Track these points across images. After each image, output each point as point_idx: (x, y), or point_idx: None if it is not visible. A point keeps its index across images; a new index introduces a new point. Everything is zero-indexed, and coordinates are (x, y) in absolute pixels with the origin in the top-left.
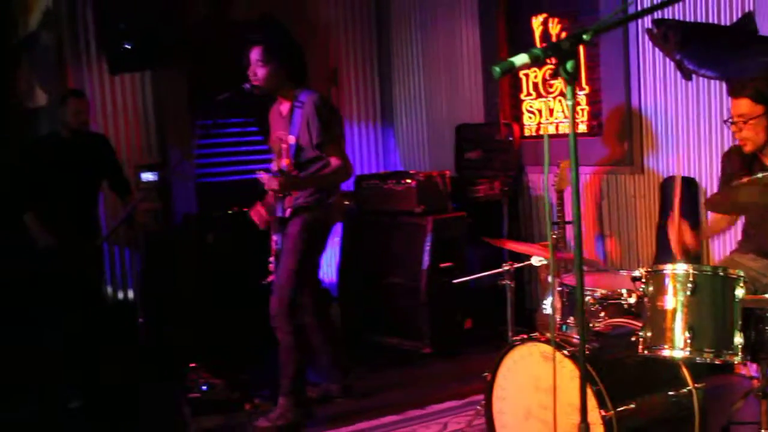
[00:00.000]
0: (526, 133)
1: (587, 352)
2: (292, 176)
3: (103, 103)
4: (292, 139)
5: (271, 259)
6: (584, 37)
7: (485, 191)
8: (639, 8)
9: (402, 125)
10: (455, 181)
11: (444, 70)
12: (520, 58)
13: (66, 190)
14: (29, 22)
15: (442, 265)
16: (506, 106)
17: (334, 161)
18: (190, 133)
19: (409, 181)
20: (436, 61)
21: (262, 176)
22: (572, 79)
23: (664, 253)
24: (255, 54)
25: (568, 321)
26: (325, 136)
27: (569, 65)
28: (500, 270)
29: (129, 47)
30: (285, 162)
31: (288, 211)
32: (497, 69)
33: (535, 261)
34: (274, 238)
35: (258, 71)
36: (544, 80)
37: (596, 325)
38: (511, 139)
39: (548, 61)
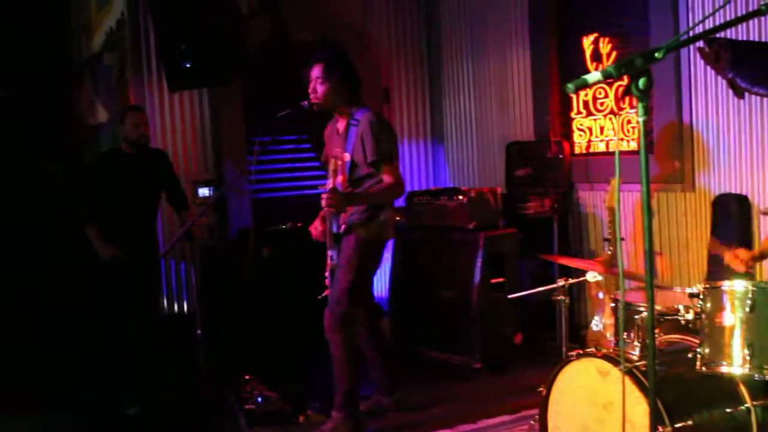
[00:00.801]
0: (576, 150)
1: (643, 368)
2: (346, 193)
3: (163, 119)
4: (347, 156)
5: (327, 274)
6: (656, 55)
7: (535, 208)
8: (696, 24)
9: (452, 142)
10: (505, 198)
11: (494, 89)
12: (593, 76)
13: (126, 204)
14: (93, 43)
15: (493, 280)
16: (556, 123)
17: (387, 178)
18: (245, 150)
19: (461, 197)
20: (486, 79)
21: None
22: (644, 96)
23: (716, 271)
24: (316, 71)
25: (623, 337)
26: (379, 154)
27: (641, 82)
28: (555, 285)
29: (188, 66)
30: (340, 179)
31: (342, 227)
32: (570, 86)
33: (590, 277)
34: (330, 253)
35: (318, 88)
36: (594, 99)
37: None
38: (561, 156)
39: (620, 78)
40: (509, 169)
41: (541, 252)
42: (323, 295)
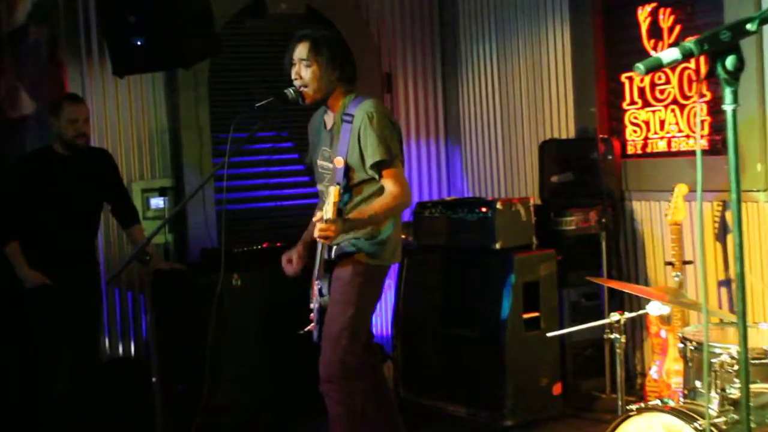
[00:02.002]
0: (629, 150)
1: (724, 427)
2: (343, 220)
3: (105, 112)
4: (340, 162)
5: (312, 306)
6: (748, 27)
7: (578, 223)
8: None
9: (471, 142)
10: (540, 211)
11: (524, 74)
12: (669, 54)
13: (58, 217)
14: (16, 13)
15: (526, 314)
16: (604, 117)
17: (391, 187)
18: (211, 150)
19: (484, 209)
20: (515, 62)
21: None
22: (733, 79)
23: None
24: (300, 51)
25: (695, 386)
26: (381, 156)
27: (730, 62)
28: (608, 321)
29: (139, 44)
30: (332, 190)
31: (334, 251)
32: (641, 66)
33: (653, 309)
34: (317, 284)
35: (303, 72)
36: (653, 85)
37: (732, 392)
38: (610, 158)
39: (699, 57)
40: (544, 175)
41: (586, 277)
42: (305, 330)
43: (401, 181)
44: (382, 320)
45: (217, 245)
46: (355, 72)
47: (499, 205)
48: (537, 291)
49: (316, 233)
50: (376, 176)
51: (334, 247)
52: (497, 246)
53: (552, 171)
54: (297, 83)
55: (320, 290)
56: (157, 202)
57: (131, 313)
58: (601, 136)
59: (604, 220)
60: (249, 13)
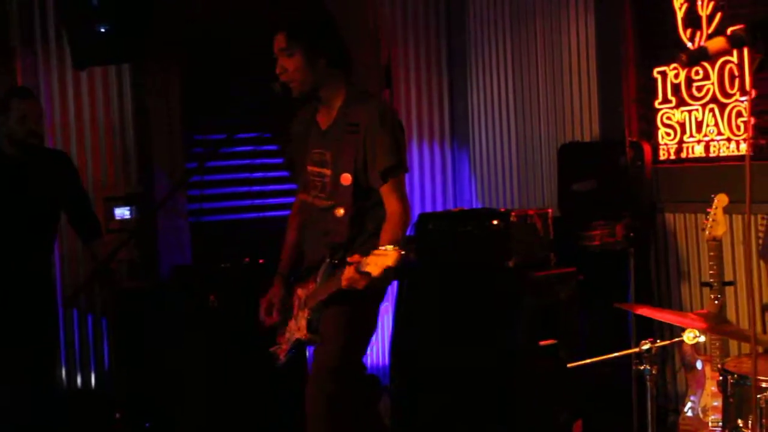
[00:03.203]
0: (662, 155)
1: None
2: (384, 274)
3: (64, 108)
4: (347, 179)
5: (288, 335)
6: None
7: (603, 238)
8: None
9: (481, 145)
10: (560, 224)
11: (542, 69)
12: (716, 42)
13: (7, 229)
14: None
15: (543, 342)
16: (633, 117)
17: (394, 205)
18: (184, 153)
19: (495, 222)
20: (531, 55)
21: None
22: None
23: None
24: (279, 41)
25: (737, 425)
26: (393, 161)
27: None
28: (637, 350)
29: (103, 30)
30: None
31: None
32: (683, 57)
33: (689, 338)
34: (306, 313)
35: (287, 64)
36: (689, 81)
37: None
38: (639, 164)
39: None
40: (564, 183)
41: (612, 300)
42: (272, 350)
43: (404, 196)
44: (377, 348)
45: (191, 261)
46: (347, 55)
47: (512, 218)
48: (555, 315)
49: (344, 282)
50: (379, 184)
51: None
52: (510, 264)
53: (573, 179)
54: (282, 78)
55: (309, 322)
56: (123, 212)
57: (91, 339)
58: (629, 139)
59: (632, 235)
60: None
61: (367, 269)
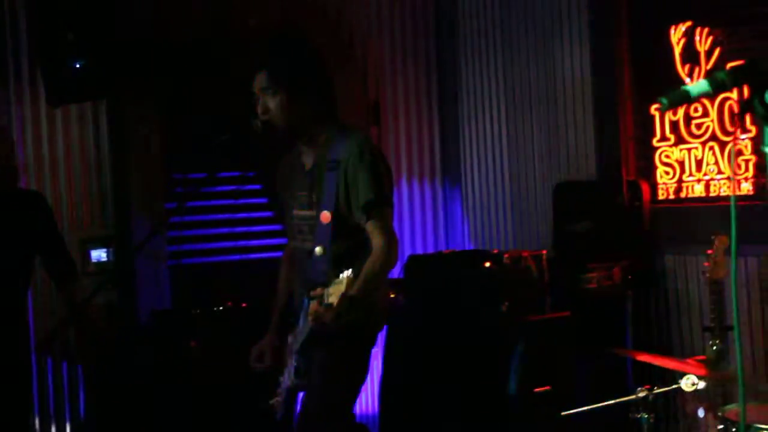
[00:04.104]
0: (660, 195)
1: None
2: (345, 302)
3: (38, 145)
4: (327, 217)
5: (282, 381)
6: None
7: (600, 281)
8: None
9: (473, 183)
10: (555, 266)
11: (536, 104)
12: (699, 86)
13: None
14: None
15: (537, 389)
16: (630, 155)
17: (379, 240)
18: (164, 193)
19: (487, 265)
20: (525, 90)
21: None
22: None
23: None
24: (260, 81)
25: None
26: (373, 195)
27: None
28: (633, 397)
29: (78, 66)
30: (317, 250)
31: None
32: (665, 102)
33: (686, 385)
34: (293, 358)
35: (269, 104)
36: (688, 118)
37: None
38: (637, 204)
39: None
40: (559, 224)
41: (610, 345)
42: (272, 402)
43: (391, 231)
44: (366, 395)
45: (171, 306)
46: (332, 93)
47: (505, 260)
48: (550, 361)
49: (310, 318)
50: (363, 221)
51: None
52: (504, 308)
53: (569, 219)
54: (263, 117)
55: (296, 368)
56: (99, 254)
57: (66, 387)
58: (626, 178)
59: (630, 278)
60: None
61: (330, 300)
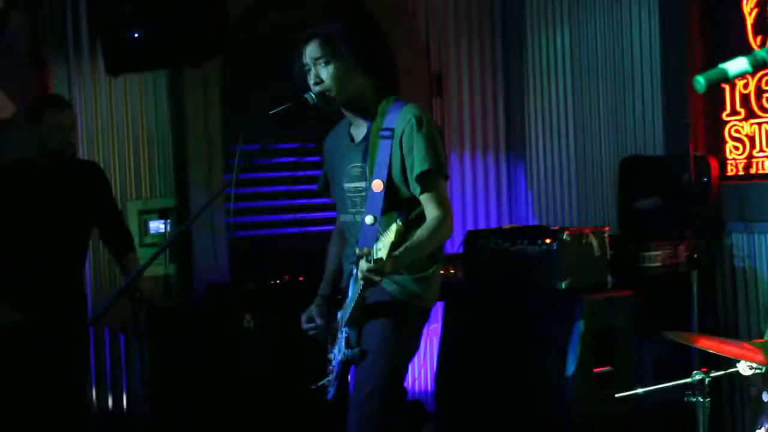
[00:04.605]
0: (730, 171)
1: None
2: (393, 260)
3: (97, 117)
4: (379, 186)
5: (332, 356)
6: None
7: (665, 259)
8: None
9: (538, 157)
10: (618, 243)
11: (602, 78)
12: (737, 65)
13: (38, 242)
14: None
15: (597, 369)
16: (699, 130)
17: (434, 211)
18: (223, 164)
19: (548, 241)
20: (591, 61)
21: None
22: None
23: None
24: (312, 50)
25: None
26: (430, 165)
27: None
28: (687, 380)
29: (137, 36)
30: (368, 219)
31: (370, 294)
32: (701, 80)
33: (744, 368)
34: (344, 331)
35: (321, 73)
36: (759, 91)
37: None
38: (705, 180)
39: None
40: (625, 199)
41: (674, 326)
42: (319, 384)
43: (446, 203)
44: (424, 373)
45: (228, 279)
46: (387, 66)
47: (566, 236)
48: (612, 341)
49: (361, 274)
50: (417, 192)
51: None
52: (563, 285)
53: (635, 195)
54: (317, 88)
55: (347, 340)
56: (157, 225)
57: (123, 359)
58: (694, 153)
59: (696, 257)
60: (271, 1)
61: (379, 255)
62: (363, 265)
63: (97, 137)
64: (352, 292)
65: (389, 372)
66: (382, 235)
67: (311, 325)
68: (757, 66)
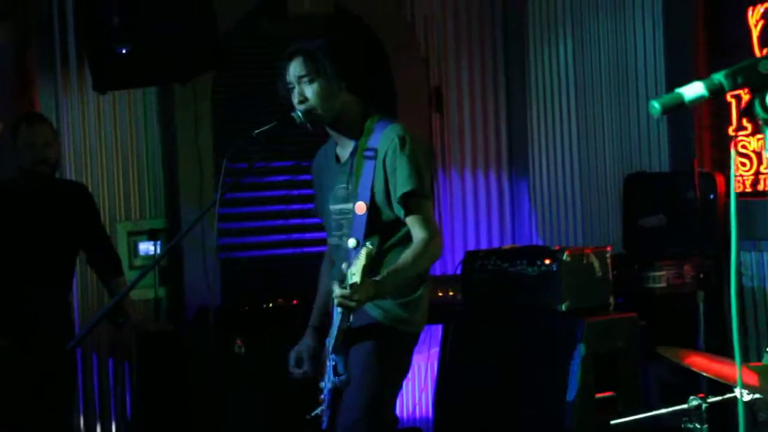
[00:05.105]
0: (736, 188)
1: None
2: (371, 283)
3: (85, 135)
4: (362, 208)
5: (323, 385)
6: None
7: (670, 279)
8: None
9: (541, 175)
10: (622, 263)
11: (606, 92)
12: (693, 89)
13: (20, 266)
14: None
15: (600, 394)
16: (705, 145)
17: (420, 233)
18: (214, 184)
19: (547, 261)
20: (595, 77)
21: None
22: None
23: None
24: (295, 68)
25: None
26: (412, 185)
27: None
28: (683, 407)
29: (124, 52)
30: (350, 242)
31: (353, 316)
32: (656, 105)
33: (743, 393)
34: (331, 359)
35: (306, 91)
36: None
37: None
38: (711, 197)
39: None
40: (630, 218)
41: (680, 348)
42: (314, 414)
43: (432, 224)
44: (423, 398)
45: (220, 302)
46: (389, 85)
47: (566, 257)
48: (615, 364)
49: (337, 300)
50: (402, 214)
51: (352, 314)
52: (563, 307)
53: (641, 212)
54: (302, 107)
55: (335, 367)
56: (147, 247)
57: (112, 385)
58: (699, 169)
59: (702, 276)
60: (263, 13)
61: (353, 280)
62: (337, 291)
63: (85, 156)
64: (335, 318)
65: (373, 399)
66: (355, 259)
67: (299, 371)
68: (714, 90)
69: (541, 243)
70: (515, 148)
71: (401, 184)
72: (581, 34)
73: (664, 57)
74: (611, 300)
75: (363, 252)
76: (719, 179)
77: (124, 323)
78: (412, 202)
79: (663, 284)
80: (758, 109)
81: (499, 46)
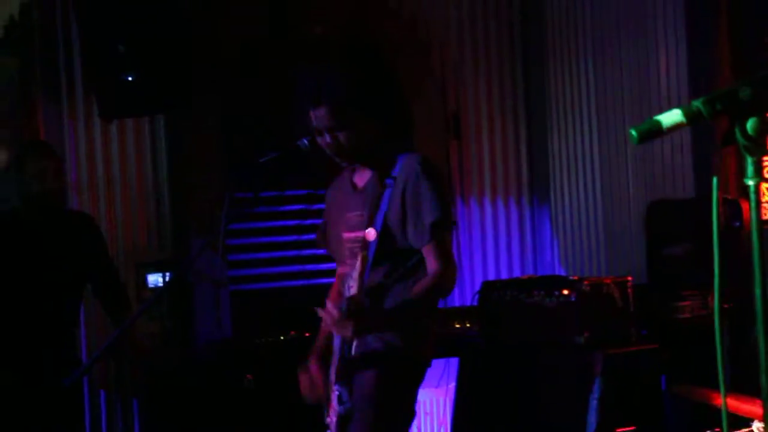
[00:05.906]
0: (764, 215)
1: None
2: (373, 312)
3: (92, 164)
4: (372, 235)
5: (329, 420)
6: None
7: (693, 310)
8: None
9: (563, 202)
10: (644, 293)
11: (629, 116)
12: (671, 117)
13: (23, 299)
14: None
15: (620, 430)
16: (731, 171)
17: (436, 264)
18: (222, 214)
19: (566, 292)
20: (617, 100)
21: (324, 313)
22: (756, 148)
23: None
24: (321, 119)
25: None
26: (439, 215)
27: (751, 126)
28: None
29: (131, 80)
30: (359, 259)
31: (355, 347)
32: (633, 134)
33: (759, 427)
34: (335, 389)
35: (340, 137)
36: None
37: None
38: (737, 224)
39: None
40: (654, 246)
41: (704, 382)
42: None
43: (450, 255)
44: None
45: (231, 334)
46: (408, 116)
47: (585, 287)
48: (636, 397)
49: (332, 325)
50: (422, 242)
51: (355, 342)
52: (582, 340)
53: (665, 241)
54: (333, 154)
55: (339, 397)
56: (156, 279)
57: (120, 423)
58: (725, 196)
59: (728, 306)
60: (274, 33)
61: (350, 293)
62: (330, 312)
63: (92, 185)
64: (337, 347)
65: (381, 427)
66: (352, 270)
67: (311, 395)
68: (692, 117)
69: (563, 272)
70: (536, 175)
71: (427, 213)
72: (603, 57)
73: (687, 79)
74: (632, 331)
75: (359, 260)
76: (745, 206)
77: (127, 358)
78: (436, 231)
79: (687, 314)
80: (739, 136)
81: (519, 70)
